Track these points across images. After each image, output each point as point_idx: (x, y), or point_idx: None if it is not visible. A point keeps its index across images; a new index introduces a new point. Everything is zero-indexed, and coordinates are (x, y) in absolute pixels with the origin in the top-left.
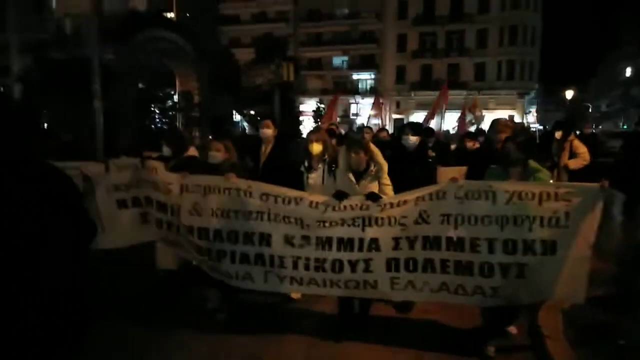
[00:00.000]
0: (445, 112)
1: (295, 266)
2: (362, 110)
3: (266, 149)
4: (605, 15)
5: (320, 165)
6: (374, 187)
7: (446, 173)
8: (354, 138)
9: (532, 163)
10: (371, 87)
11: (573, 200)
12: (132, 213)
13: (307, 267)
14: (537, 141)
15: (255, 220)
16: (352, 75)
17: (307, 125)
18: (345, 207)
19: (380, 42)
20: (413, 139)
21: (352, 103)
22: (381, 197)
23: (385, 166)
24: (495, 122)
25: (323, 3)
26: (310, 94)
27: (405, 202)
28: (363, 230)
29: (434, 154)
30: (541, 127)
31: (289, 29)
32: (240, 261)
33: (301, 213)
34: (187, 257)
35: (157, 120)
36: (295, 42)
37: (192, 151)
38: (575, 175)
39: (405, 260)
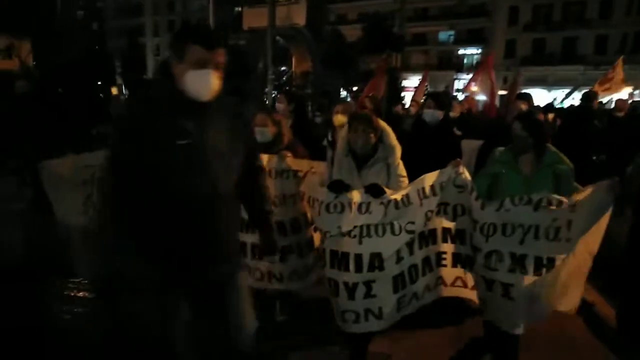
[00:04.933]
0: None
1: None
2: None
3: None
4: None
5: None
6: (381, 178)
7: (468, 145)
8: (358, 112)
9: (552, 149)
10: (477, 63)
11: (579, 206)
12: None
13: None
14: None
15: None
16: (457, 50)
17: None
18: (342, 205)
19: (490, 15)
20: (436, 113)
21: (456, 79)
22: (384, 192)
23: (398, 150)
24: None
25: None
26: (413, 69)
27: (408, 199)
28: (360, 242)
29: (459, 133)
30: None
31: (396, 5)
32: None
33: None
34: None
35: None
36: (400, 18)
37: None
38: None
39: (409, 270)
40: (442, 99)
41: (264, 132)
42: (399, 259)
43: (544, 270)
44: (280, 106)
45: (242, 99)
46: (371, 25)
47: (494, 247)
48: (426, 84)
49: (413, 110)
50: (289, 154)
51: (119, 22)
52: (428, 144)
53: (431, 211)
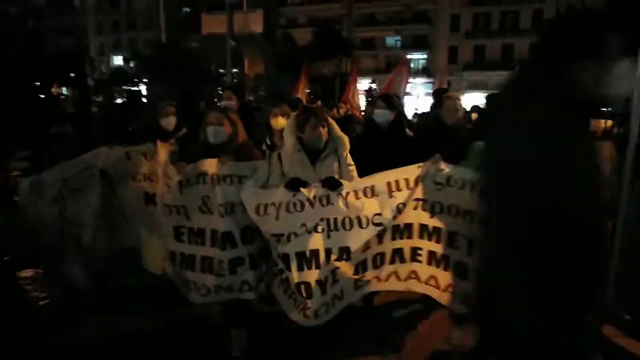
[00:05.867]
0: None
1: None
2: (414, 90)
3: None
4: None
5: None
6: (334, 171)
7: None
8: (310, 107)
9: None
10: (423, 67)
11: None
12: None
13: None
14: None
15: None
16: (404, 55)
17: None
18: (302, 203)
19: (433, 22)
20: (387, 113)
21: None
22: (341, 184)
23: (346, 140)
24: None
25: None
26: (363, 73)
27: (373, 190)
28: (328, 237)
29: (411, 134)
30: None
31: (344, 10)
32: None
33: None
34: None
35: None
36: (349, 23)
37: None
38: None
39: (373, 257)
40: (393, 99)
41: (219, 132)
42: (366, 248)
43: None
44: (229, 103)
45: (196, 100)
46: (321, 30)
47: None
48: (356, 85)
49: (342, 111)
50: (231, 158)
51: (58, 20)
52: (380, 145)
53: (403, 204)
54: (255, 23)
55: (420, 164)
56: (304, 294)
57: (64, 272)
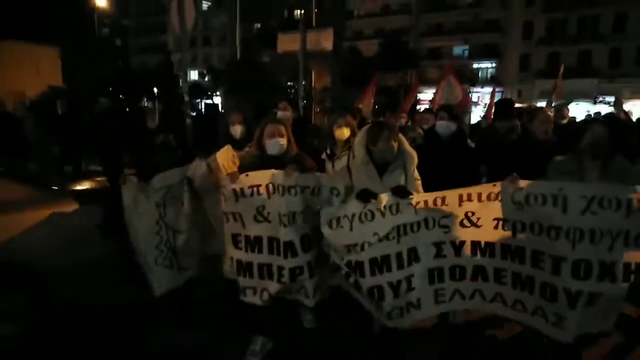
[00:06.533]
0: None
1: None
2: (482, 99)
3: None
4: None
5: (345, 153)
6: (400, 183)
7: None
8: (381, 121)
9: (620, 157)
10: (491, 76)
11: None
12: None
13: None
14: None
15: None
16: (472, 64)
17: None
18: (372, 213)
19: (504, 30)
20: (450, 124)
21: (472, 93)
22: (410, 193)
23: (415, 155)
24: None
25: None
26: (428, 83)
27: (444, 200)
28: (398, 242)
29: (473, 145)
30: None
31: (412, 21)
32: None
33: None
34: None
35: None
36: (416, 33)
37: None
38: None
39: (451, 268)
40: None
41: (278, 144)
42: (439, 253)
43: (631, 278)
44: (284, 114)
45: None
46: (387, 41)
47: (581, 256)
48: (374, 91)
49: (403, 121)
50: (296, 169)
51: (141, 39)
52: (442, 156)
53: (472, 212)
54: (326, 41)
55: (497, 182)
56: (377, 296)
57: (150, 277)
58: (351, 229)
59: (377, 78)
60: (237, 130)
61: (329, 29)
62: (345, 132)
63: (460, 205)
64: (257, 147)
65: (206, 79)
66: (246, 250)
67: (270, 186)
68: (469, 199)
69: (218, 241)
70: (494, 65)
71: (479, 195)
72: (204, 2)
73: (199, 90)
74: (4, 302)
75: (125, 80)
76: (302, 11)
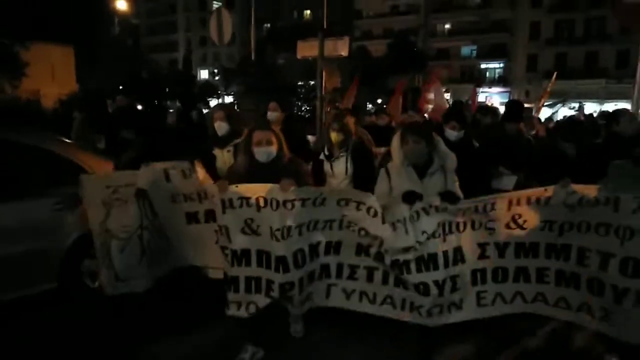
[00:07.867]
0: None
1: (370, 277)
2: (490, 99)
3: None
4: None
5: (342, 153)
6: (441, 184)
7: None
8: (411, 124)
9: None
10: (499, 76)
11: None
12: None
13: (385, 281)
14: None
15: (324, 230)
16: (479, 64)
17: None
18: (418, 213)
19: (512, 30)
20: (460, 134)
21: (479, 92)
22: (460, 198)
23: (454, 157)
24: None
25: None
26: None
27: (493, 206)
28: (444, 240)
29: (477, 145)
30: None
31: (420, 20)
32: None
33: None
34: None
35: (304, 109)
36: (424, 34)
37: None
38: None
39: (493, 270)
40: (465, 116)
41: (267, 151)
42: (483, 254)
43: None
44: (273, 114)
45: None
46: (396, 42)
47: (630, 254)
48: (439, 89)
49: (383, 122)
50: (292, 183)
51: (150, 39)
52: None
53: (519, 215)
54: (342, 48)
55: (548, 187)
56: (422, 292)
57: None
58: (406, 231)
59: (403, 83)
60: (220, 126)
61: (345, 37)
62: (338, 136)
63: (509, 209)
64: (246, 153)
65: (216, 78)
66: (232, 264)
67: (262, 200)
68: (518, 203)
69: (177, 256)
70: (501, 65)
71: (528, 199)
72: (214, 2)
73: (210, 89)
74: None
75: (145, 81)
76: (310, 11)
